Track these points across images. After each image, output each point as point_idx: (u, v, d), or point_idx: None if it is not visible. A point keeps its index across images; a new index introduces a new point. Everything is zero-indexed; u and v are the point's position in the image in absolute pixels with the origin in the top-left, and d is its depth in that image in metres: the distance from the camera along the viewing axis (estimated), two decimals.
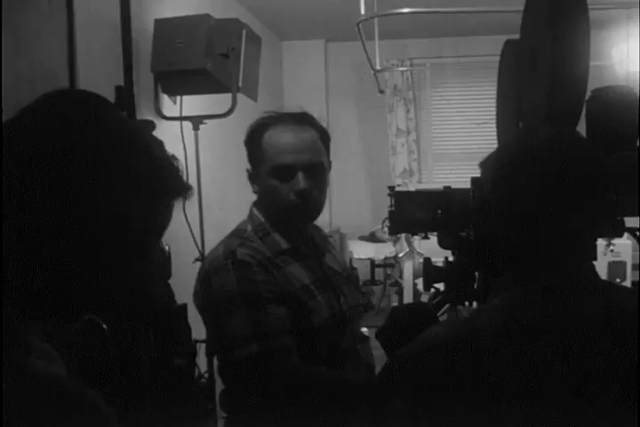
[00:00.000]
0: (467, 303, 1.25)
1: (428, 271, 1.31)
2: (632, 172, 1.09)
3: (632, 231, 1.26)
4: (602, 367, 0.89)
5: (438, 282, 1.34)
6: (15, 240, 0.70)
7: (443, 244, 1.33)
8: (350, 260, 5.50)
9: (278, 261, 1.52)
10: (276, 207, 1.54)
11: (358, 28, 2.95)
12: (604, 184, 0.95)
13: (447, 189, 1.27)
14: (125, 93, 0.92)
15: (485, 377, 0.87)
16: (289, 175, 1.49)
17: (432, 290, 1.35)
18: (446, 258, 1.35)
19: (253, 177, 1.58)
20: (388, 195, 1.27)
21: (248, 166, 1.59)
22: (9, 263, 0.70)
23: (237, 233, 1.56)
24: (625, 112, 1.10)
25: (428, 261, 1.33)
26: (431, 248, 4.71)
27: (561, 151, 0.94)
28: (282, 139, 1.51)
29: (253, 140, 1.55)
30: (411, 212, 1.25)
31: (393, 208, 1.27)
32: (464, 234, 1.26)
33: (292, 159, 1.48)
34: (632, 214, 1.16)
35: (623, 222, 1.17)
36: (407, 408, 0.91)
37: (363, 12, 2.75)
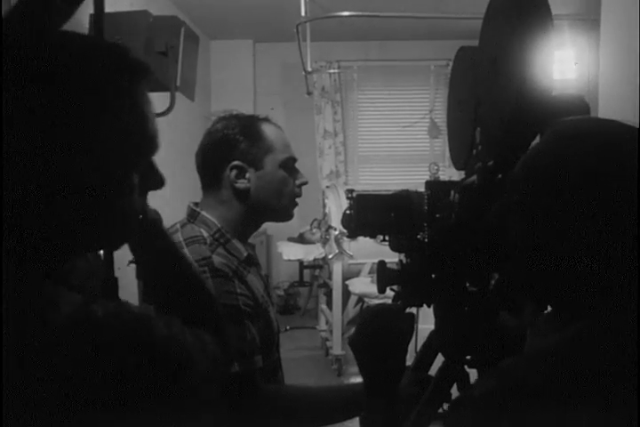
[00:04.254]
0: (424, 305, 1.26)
1: (384, 274, 1.31)
2: None
3: None
4: None
5: (393, 284, 1.34)
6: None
7: (395, 246, 1.33)
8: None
9: (242, 270, 1.45)
10: (279, 200, 1.52)
11: (297, 30, 2.96)
12: None
13: (405, 191, 1.28)
14: None
15: None
16: (294, 169, 1.55)
17: (387, 292, 1.34)
18: (401, 260, 1.35)
19: (249, 170, 1.48)
20: (348, 198, 1.27)
21: (236, 162, 1.48)
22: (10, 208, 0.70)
23: (196, 240, 1.44)
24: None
25: (382, 263, 1.33)
26: (360, 249, 4.74)
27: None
28: (281, 134, 1.54)
29: (252, 132, 1.50)
30: (370, 215, 1.25)
31: (351, 211, 1.27)
32: (419, 237, 1.28)
33: (294, 154, 1.56)
34: None
35: None
36: None
37: (303, 13, 2.76)
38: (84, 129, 0.73)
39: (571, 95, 1.18)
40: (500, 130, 1.07)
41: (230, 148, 1.48)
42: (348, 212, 1.28)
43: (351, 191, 1.28)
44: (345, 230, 1.31)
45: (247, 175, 1.48)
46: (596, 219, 0.79)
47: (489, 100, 1.14)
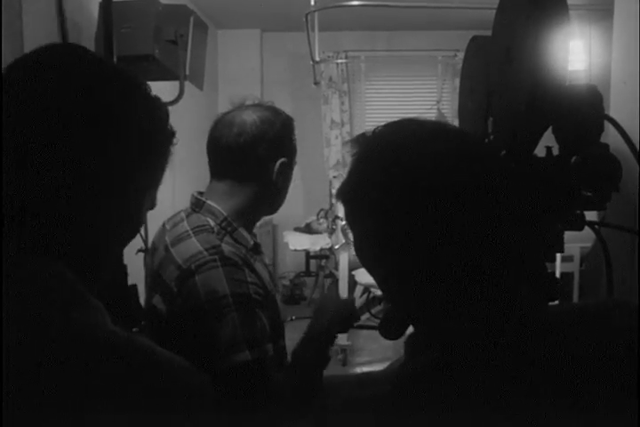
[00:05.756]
0: None
1: None
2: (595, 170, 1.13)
3: (591, 225, 1.30)
4: None
5: None
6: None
7: None
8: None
9: (250, 258, 1.45)
10: (282, 198, 1.61)
11: (306, 20, 2.95)
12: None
13: None
14: None
15: None
16: None
17: None
18: None
19: (287, 169, 1.55)
20: None
21: (284, 159, 1.53)
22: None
23: (204, 228, 1.43)
24: (591, 108, 1.14)
25: None
26: None
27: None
28: None
29: (292, 132, 1.56)
30: None
31: None
32: None
33: None
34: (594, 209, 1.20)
35: (583, 216, 1.20)
36: None
37: (312, 3, 2.75)
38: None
39: (584, 85, 1.18)
40: (514, 120, 1.06)
41: (283, 144, 1.53)
42: None
43: None
44: None
45: (286, 172, 1.55)
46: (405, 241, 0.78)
47: (502, 90, 1.14)
